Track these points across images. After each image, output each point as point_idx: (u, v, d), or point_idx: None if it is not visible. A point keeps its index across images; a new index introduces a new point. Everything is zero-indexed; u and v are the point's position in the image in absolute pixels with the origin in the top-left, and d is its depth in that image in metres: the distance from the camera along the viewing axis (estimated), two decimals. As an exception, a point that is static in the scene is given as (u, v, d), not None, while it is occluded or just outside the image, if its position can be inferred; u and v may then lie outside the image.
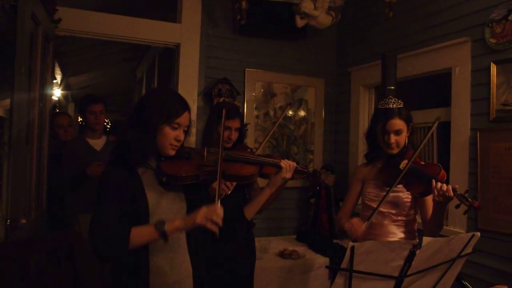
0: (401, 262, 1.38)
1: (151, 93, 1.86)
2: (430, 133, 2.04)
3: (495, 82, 2.49)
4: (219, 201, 1.55)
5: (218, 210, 1.51)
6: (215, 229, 1.48)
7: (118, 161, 1.63)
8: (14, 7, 2.07)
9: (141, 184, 1.63)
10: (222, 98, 3.50)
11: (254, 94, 3.78)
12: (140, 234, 1.52)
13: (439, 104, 3.12)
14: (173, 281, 1.65)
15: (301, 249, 3.39)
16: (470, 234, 1.47)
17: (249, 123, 3.36)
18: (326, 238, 3.58)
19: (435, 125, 2.05)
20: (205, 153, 1.84)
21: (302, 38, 3.85)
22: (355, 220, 2.10)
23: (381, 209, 2.17)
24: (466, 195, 1.88)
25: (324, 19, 3.39)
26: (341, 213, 2.40)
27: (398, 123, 2.14)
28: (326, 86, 4.07)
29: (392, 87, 2.75)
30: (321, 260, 3.23)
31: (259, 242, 2.95)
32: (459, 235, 1.47)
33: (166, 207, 1.66)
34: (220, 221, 1.49)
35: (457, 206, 1.90)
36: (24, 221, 2.17)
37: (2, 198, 2.79)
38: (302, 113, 3.99)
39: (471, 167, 2.64)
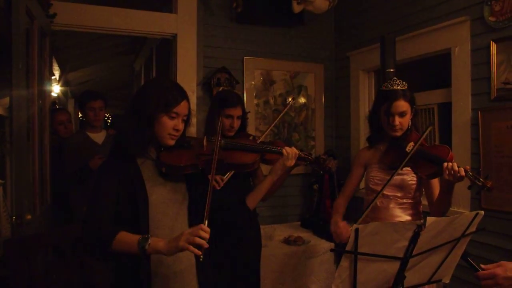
0: (406, 243, 1.39)
1: (149, 82, 1.82)
2: (424, 135, 2.03)
3: (495, 60, 2.47)
4: (206, 221, 1.42)
5: (201, 232, 1.37)
6: (198, 253, 1.36)
7: (118, 153, 1.62)
8: (8, 2, 2.06)
9: (140, 174, 1.61)
10: (221, 88, 3.49)
11: (253, 82, 3.76)
12: (123, 241, 1.46)
13: (439, 86, 3.11)
14: (176, 271, 1.64)
15: (306, 235, 3.40)
16: (474, 212, 1.46)
17: (249, 112, 3.36)
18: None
19: (429, 129, 2.06)
20: (205, 142, 1.81)
21: (299, 24, 3.83)
22: (343, 224, 2.09)
23: (386, 192, 2.17)
24: (479, 176, 1.86)
25: (321, 3, 3.35)
26: (340, 199, 2.40)
27: (403, 104, 2.11)
28: (325, 72, 4.05)
29: (392, 70, 2.74)
30: (326, 245, 3.24)
31: (264, 229, 2.95)
32: (463, 214, 1.47)
33: (166, 198, 1.65)
34: (204, 243, 1.36)
35: (470, 187, 1.88)
36: (29, 217, 2.18)
37: (7, 195, 2.81)
38: (302, 99, 3.98)
39: (473, 147, 2.63)
